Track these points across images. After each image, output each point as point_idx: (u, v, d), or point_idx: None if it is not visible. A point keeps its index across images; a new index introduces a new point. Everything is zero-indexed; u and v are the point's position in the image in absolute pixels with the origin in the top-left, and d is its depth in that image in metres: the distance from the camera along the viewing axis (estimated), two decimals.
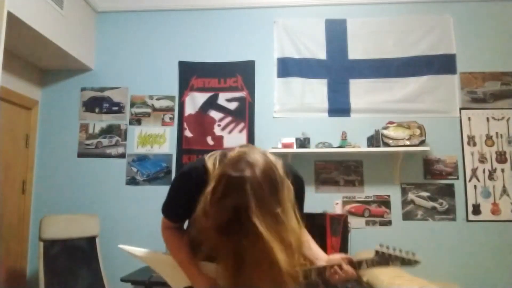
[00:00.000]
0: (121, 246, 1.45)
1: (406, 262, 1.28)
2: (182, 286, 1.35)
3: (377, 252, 1.29)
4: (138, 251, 1.45)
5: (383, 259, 1.28)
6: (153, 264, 1.44)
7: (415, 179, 3.18)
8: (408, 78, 3.29)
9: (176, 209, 1.36)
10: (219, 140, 3.32)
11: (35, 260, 2.94)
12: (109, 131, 3.43)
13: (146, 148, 3.39)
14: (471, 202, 3.11)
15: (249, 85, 3.38)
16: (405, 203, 3.16)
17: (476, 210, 3.10)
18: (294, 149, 3.09)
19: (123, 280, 2.69)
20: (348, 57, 3.36)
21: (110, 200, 3.32)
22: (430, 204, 3.14)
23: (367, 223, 3.15)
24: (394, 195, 3.17)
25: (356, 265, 1.27)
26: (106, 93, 3.48)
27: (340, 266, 1.25)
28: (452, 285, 2.78)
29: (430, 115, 3.22)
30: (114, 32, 3.55)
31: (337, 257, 1.30)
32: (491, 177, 3.13)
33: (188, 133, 3.37)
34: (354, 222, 3.07)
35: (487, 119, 3.20)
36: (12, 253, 3.11)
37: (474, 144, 3.18)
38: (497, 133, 3.18)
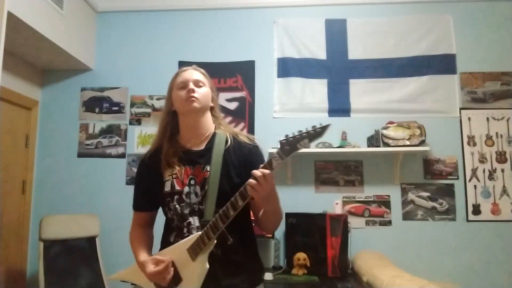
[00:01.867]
0: (109, 277, 1.54)
1: (314, 135, 1.18)
2: (153, 284, 1.36)
3: (281, 142, 1.20)
4: (121, 273, 1.50)
5: (290, 143, 1.18)
6: (129, 278, 1.47)
7: (415, 179, 3.18)
8: (408, 78, 3.29)
9: (138, 198, 1.45)
10: None
11: (35, 260, 2.94)
12: (109, 131, 3.43)
13: (146, 148, 3.37)
14: (471, 202, 3.11)
15: (249, 85, 3.38)
16: (405, 203, 3.16)
17: (476, 210, 3.10)
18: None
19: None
20: (348, 57, 3.36)
21: (110, 200, 3.31)
22: (430, 204, 3.14)
23: (367, 223, 3.14)
24: (394, 195, 3.17)
25: (267, 165, 1.18)
26: (106, 93, 3.48)
27: (254, 178, 1.16)
28: (452, 285, 2.78)
29: (430, 115, 3.22)
30: (114, 32, 3.55)
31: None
32: (491, 177, 3.13)
33: None
34: (354, 222, 3.07)
35: (487, 119, 3.20)
36: (12, 253, 3.11)
37: (474, 144, 3.18)
38: (497, 133, 3.18)
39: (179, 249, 1.29)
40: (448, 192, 3.14)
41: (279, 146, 1.19)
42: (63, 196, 3.34)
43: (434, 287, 1.80)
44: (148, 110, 3.44)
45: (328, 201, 3.08)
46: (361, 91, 3.30)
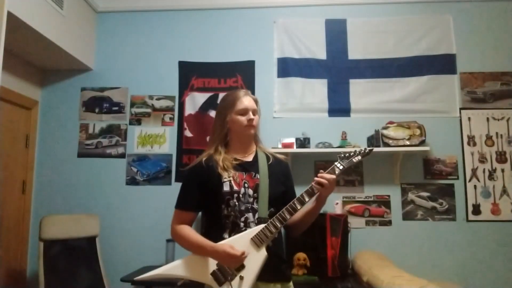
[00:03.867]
0: (136, 278, 1.65)
1: (364, 154, 1.66)
2: (209, 274, 1.46)
3: (339, 156, 1.62)
4: (156, 271, 1.57)
5: (347, 157, 1.62)
6: (175, 272, 1.53)
7: (415, 179, 3.18)
8: (408, 78, 3.29)
9: (189, 198, 1.59)
10: None
11: (35, 260, 2.94)
12: (109, 131, 3.43)
13: (146, 148, 3.39)
14: (471, 202, 3.11)
15: (249, 85, 3.38)
16: (405, 203, 3.16)
17: (476, 210, 3.10)
18: (294, 149, 3.09)
19: (123, 280, 2.69)
20: (348, 57, 3.36)
21: (110, 200, 3.31)
22: (430, 204, 3.14)
23: (367, 223, 3.15)
24: (394, 195, 3.17)
25: (331, 171, 1.57)
26: (106, 93, 3.48)
27: (319, 181, 1.52)
28: (452, 285, 2.78)
29: (430, 115, 3.22)
30: (114, 32, 3.55)
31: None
32: (491, 177, 3.13)
33: (188, 133, 3.37)
34: (354, 222, 3.07)
35: (487, 119, 3.20)
36: (12, 253, 3.11)
37: (474, 144, 3.18)
38: (497, 133, 3.18)
39: (243, 239, 1.47)
40: (448, 192, 3.14)
41: (339, 159, 1.61)
42: (63, 196, 3.34)
43: (434, 287, 1.80)
44: (148, 110, 3.44)
45: (328, 201, 3.05)
46: (361, 91, 3.30)
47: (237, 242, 1.46)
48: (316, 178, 1.52)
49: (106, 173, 3.36)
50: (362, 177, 3.21)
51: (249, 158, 1.65)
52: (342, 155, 1.61)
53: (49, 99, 3.49)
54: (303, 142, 3.13)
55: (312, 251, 2.78)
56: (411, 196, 3.16)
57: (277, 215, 1.49)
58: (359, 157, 1.62)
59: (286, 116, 3.32)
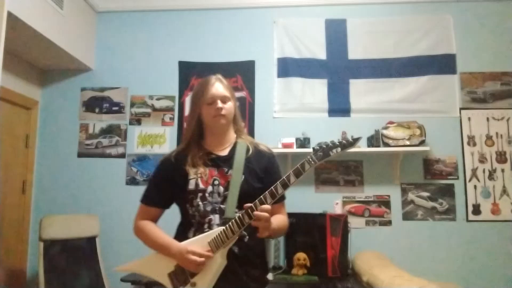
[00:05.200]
0: (116, 268, 1.58)
1: (346, 145, 1.30)
2: (166, 275, 1.40)
3: (314, 148, 1.32)
4: (126, 265, 1.55)
5: (323, 150, 1.31)
6: (139, 269, 1.52)
7: (415, 179, 3.18)
8: (408, 78, 3.29)
9: (154, 193, 1.53)
10: None
11: (35, 260, 2.94)
12: (109, 131, 3.43)
13: (146, 148, 3.39)
14: (471, 202, 3.11)
15: (249, 85, 3.38)
16: (405, 203, 3.16)
17: (476, 210, 3.10)
18: (294, 149, 3.09)
19: (123, 280, 2.69)
20: (348, 57, 3.36)
21: (110, 200, 3.31)
22: (430, 204, 3.14)
23: (367, 223, 3.14)
24: (394, 195, 3.17)
25: (300, 168, 1.30)
26: (106, 93, 3.48)
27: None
28: (452, 285, 2.78)
29: (430, 115, 3.22)
30: (114, 32, 3.55)
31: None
32: (491, 177, 3.13)
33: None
34: (354, 222, 3.07)
35: (487, 119, 3.20)
36: (12, 253, 3.11)
37: (474, 144, 3.18)
38: (497, 133, 3.18)
39: (201, 241, 1.35)
40: (448, 192, 3.14)
41: (312, 152, 1.32)
42: (63, 196, 3.34)
43: (434, 287, 1.80)
44: (148, 110, 3.44)
45: (328, 201, 3.08)
46: (361, 91, 3.30)
47: (196, 244, 1.34)
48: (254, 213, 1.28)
49: (106, 173, 3.36)
50: (362, 177, 3.21)
51: (225, 152, 1.50)
52: (318, 147, 1.32)
53: (49, 99, 3.49)
54: (303, 142, 3.13)
55: (312, 251, 2.78)
56: (411, 196, 3.16)
57: (236, 217, 1.32)
58: (338, 149, 1.29)
59: (286, 116, 3.32)
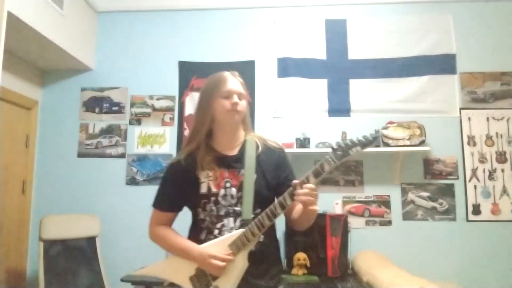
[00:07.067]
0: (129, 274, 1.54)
1: (366, 143, 1.29)
2: (188, 279, 1.38)
3: (333, 148, 1.28)
4: (142, 270, 1.54)
5: (343, 149, 1.26)
6: (157, 273, 1.48)
7: (415, 179, 3.18)
8: (408, 78, 3.29)
9: (166, 198, 1.47)
10: None
11: (35, 260, 2.94)
12: (109, 131, 3.43)
13: (146, 148, 3.39)
14: (471, 202, 3.11)
15: (249, 85, 3.36)
16: (405, 203, 3.16)
17: (476, 210, 3.10)
18: (294, 149, 3.09)
19: (123, 280, 2.69)
20: (348, 57, 3.36)
21: (110, 200, 3.31)
22: (430, 204, 3.14)
23: (367, 223, 3.14)
24: (394, 195, 3.17)
25: (319, 168, 1.27)
26: (106, 93, 3.48)
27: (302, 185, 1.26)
28: (452, 285, 2.78)
29: (430, 115, 3.21)
30: (114, 32, 3.55)
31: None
32: (491, 177, 3.13)
33: (188, 133, 3.36)
34: (354, 222, 3.07)
35: (487, 119, 3.20)
36: (12, 253, 3.11)
37: (474, 144, 3.18)
38: (497, 133, 3.18)
39: (221, 244, 1.32)
40: (448, 192, 3.14)
41: (331, 152, 1.27)
42: (63, 196, 3.34)
43: (434, 287, 1.80)
44: (148, 110, 3.44)
45: (328, 201, 3.07)
46: (361, 91, 3.30)
47: (216, 247, 1.32)
48: (297, 191, 1.26)
49: (106, 173, 3.36)
50: (362, 177, 3.21)
51: (235, 152, 1.45)
52: (336, 147, 1.27)
53: (49, 99, 3.49)
54: (303, 142, 3.13)
55: (312, 251, 2.78)
56: (411, 196, 3.16)
57: (255, 220, 1.30)
58: (358, 148, 1.27)
59: (286, 116, 3.32)
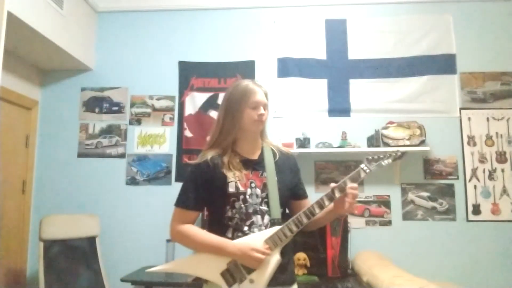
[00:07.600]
0: (148, 270, 1.58)
1: (396, 157, 1.50)
2: (219, 273, 1.43)
3: (367, 158, 1.48)
4: (165, 265, 1.58)
5: (376, 160, 1.48)
6: (184, 269, 1.51)
7: (415, 179, 3.18)
8: (408, 78, 3.29)
9: (192, 196, 1.52)
10: None
11: (35, 260, 2.94)
12: (109, 131, 3.43)
13: (146, 148, 3.39)
14: (471, 202, 3.11)
15: None
16: (405, 203, 3.16)
17: (476, 210, 3.10)
18: (294, 149, 3.09)
19: (123, 280, 2.70)
20: (348, 57, 3.36)
21: (110, 200, 3.31)
22: (430, 204, 3.14)
23: (367, 223, 3.15)
24: (394, 195, 3.17)
25: (356, 175, 1.44)
26: (106, 93, 3.48)
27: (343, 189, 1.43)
28: (452, 285, 2.78)
29: (430, 115, 3.22)
30: (114, 32, 3.55)
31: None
32: (491, 177, 3.13)
33: (188, 133, 3.37)
34: (354, 222, 3.08)
35: (487, 119, 3.20)
36: (12, 253, 3.11)
37: (474, 144, 3.18)
38: (497, 133, 3.18)
39: (258, 240, 1.42)
40: (448, 192, 3.14)
41: (365, 162, 1.47)
42: (63, 196, 3.34)
43: (434, 287, 1.80)
44: (148, 110, 3.44)
45: None
46: (361, 91, 3.30)
47: (254, 242, 1.41)
48: (349, 190, 1.41)
49: (106, 173, 3.36)
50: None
51: (255, 156, 1.58)
52: (370, 157, 1.48)
53: (49, 99, 3.49)
54: (303, 142, 3.13)
55: (312, 251, 2.78)
56: (411, 196, 3.16)
57: (293, 218, 1.43)
58: (390, 160, 1.48)
59: (286, 116, 3.32)
